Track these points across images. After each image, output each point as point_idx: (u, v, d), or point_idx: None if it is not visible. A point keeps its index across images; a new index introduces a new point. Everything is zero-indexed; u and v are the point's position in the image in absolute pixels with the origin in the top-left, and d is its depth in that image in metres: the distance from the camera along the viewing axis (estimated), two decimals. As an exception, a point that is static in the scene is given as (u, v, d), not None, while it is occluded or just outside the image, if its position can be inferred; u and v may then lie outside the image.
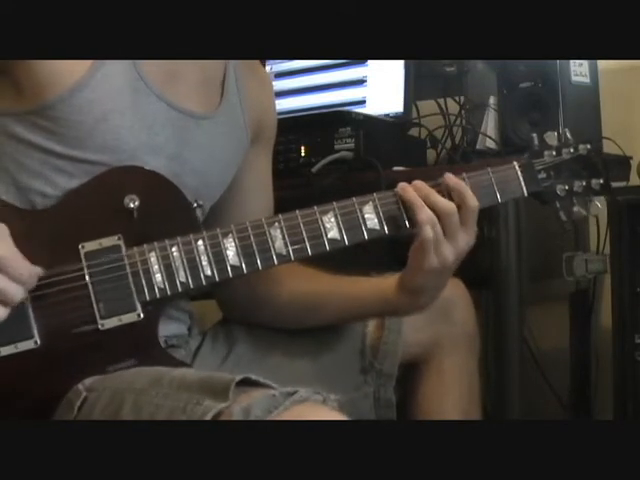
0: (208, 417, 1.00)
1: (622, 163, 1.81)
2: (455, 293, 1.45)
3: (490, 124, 1.95)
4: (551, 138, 1.35)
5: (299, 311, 1.43)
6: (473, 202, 1.26)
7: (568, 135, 1.36)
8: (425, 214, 1.24)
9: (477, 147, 1.95)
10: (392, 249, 1.30)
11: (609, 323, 1.80)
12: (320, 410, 1.00)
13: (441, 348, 1.47)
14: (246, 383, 1.03)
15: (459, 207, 1.25)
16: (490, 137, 1.93)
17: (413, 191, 1.26)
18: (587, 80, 1.89)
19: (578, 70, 1.86)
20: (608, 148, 1.92)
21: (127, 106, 1.23)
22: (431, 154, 2.03)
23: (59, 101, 1.19)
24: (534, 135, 1.36)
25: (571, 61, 1.84)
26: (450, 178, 1.27)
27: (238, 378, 1.03)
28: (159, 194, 1.24)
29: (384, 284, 1.36)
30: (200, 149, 1.32)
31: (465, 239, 1.26)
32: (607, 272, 1.87)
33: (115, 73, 1.22)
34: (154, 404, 1.06)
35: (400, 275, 1.33)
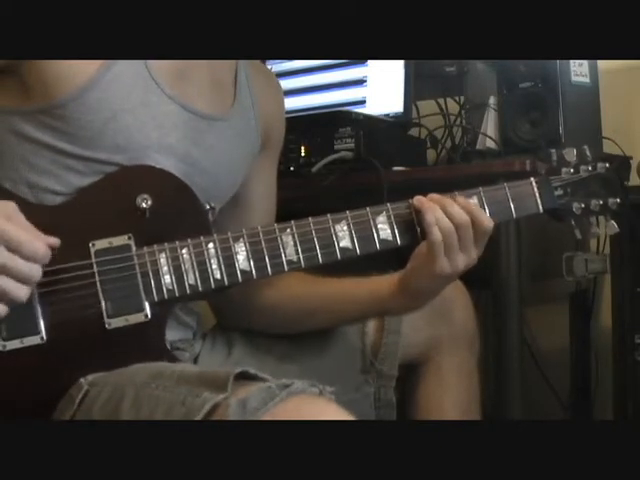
0: (206, 408, 1.00)
1: (622, 163, 1.81)
2: (454, 293, 1.45)
3: (490, 124, 1.95)
4: (569, 155, 1.34)
5: (295, 315, 1.43)
6: (488, 223, 1.26)
7: (587, 152, 1.35)
8: (433, 216, 1.24)
9: (477, 147, 1.95)
10: (392, 249, 1.29)
11: (609, 323, 1.81)
12: (316, 402, 1.00)
13: (441, 348, 1.47)
14: (244, 378, 1.04)
15: (472, 225, 1.25)
16: (490, 137, 1.93)
17: (426, 199, 1.27)
18: (587, 80, 1.89)
19: (578, 70, 1.86)
20: (608, 148, 1.92)
21: (138, 105, 1.23)
22: (431, 154, 2.03)
23: (69, 100, 1.19)
24: (553, 151, 1.35)
25: (571, 61, 1.84)
26: (460, 200, 1.27)
27: (236, 371, 1.03)
28: (172, 195, 1.24)
29: (379, 284, 1.36)
30: (211, 150, 1.32)
31: (476, 253, 1.27)
32: (607, 272, 1.87)
33: (126, 73, 1.22)
34: (154, 397, 1.07)
35: (400, 276, 1.33)
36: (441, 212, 1.25)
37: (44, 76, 1.19)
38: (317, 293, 1.42)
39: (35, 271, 1.10)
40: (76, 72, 1.19)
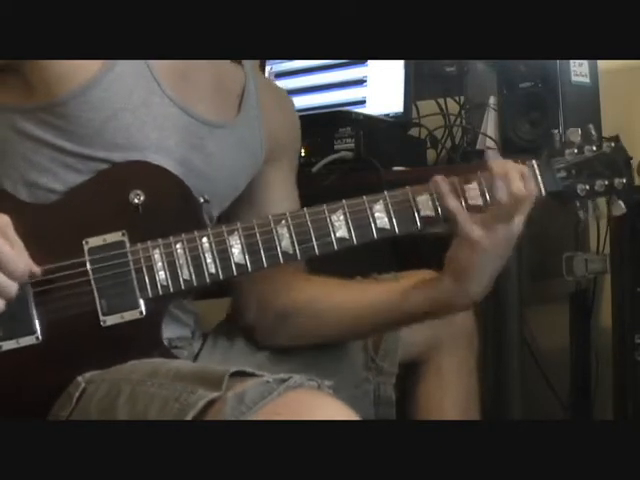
0: (201, 405, 1.00)
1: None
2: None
3: (490, 124, 1.95)
4: (574, 135, 1.31)
5: (339, 323, 1.38)
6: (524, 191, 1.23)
7: (592, 132, 1.31)
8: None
9: (477, 147, 1.95)
10: (392, 249, 1.29)
11: (609, 323, 1.80)
12: (315, 395, 1.00)
13: (440, 348, 1.47)
14: (241, 376, 1.03)
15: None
16: (490, 137, 1.93)
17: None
18: (587, 80, 1.89)
19: (578, 70, 1.86)
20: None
21: (139, 105, 1.23)
22: (431, 154, 2.03)
23: (71, 98, 1.19)
24: (555, 131, 1.33)
25: (571, 61, 1.84)
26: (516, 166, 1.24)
27: (232, 369, 1.03)
28: (165, 190, 1.24)
29: (424, 276, 1.32)
30: (210, 157, 1.31)
31: (518, 227, 1.23)
32: (607, 272, 1.87)
33: (128, 72, 1.23)
34: (149, 393, 1.07)
35: (448, 262, 1.27)
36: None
37: (46, 74, 1.19)
38: (359, 299, 1.37)
39: (11, 287, 1.10)
40: (78, 71, 1.20)
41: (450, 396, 1.47)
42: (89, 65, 1.20)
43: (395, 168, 1.80)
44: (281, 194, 1.45)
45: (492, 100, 1.95)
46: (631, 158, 1.84)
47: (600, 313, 2.12)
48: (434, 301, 1.30)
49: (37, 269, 1.13)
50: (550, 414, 2.11)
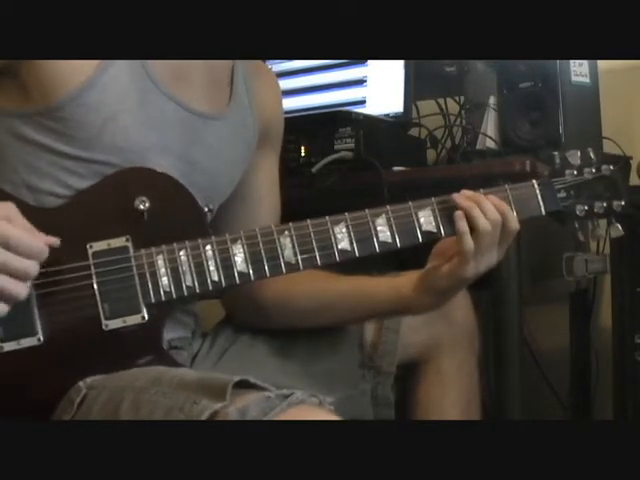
0: (204, 417, 1.00)
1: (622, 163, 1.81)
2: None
3: (490, 124, 1.95)
4: (573, 157, 1.34)
5: (308, 310, 1.42)
6: (516, 225, 1.27)
7: (591, 155, 1.35)
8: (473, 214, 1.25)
9: (477, 147, 1.95)
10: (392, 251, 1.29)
11: (609, 323, 1.81)
12: (316, 412, 1.00)
13: (441, 348, 1.47)
14: (244, 385, 1.04)
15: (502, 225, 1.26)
16: (490, 137, 1.93)
17: (465, 199, 1.27)
18: (587, 80, 1.89)
19: (578, 70, 1.86)
20: (608, 148, 1.92)
21: (136, 106, 1.23)
22: (431, 154, 2.03)
23: (67, 101, 1.19)
24: (556, 153, 1.35)
25: (571, 61, 1.84)
26: (493, 198, 1.27)
27: (236, 379, 1.03)
28: (170, 197, 1.24)
29: (400, 282, 1.36)
30: (209, 149, 1.32)
31: (497, 256, 1.28)
32: (607, 272, 1.87)
33: (123, 73, 1.22)
34: (152, 402, 1.07)
35: (422, 275, 1.33)
36: (479, 211, 1.25)
37: (42, 77, 1.19)
38: (332, 289, 1.41)
39: (31, 267, 1.09)
40: (74, 73, 1.19)
41: (450, 397, 1.47)
42: (84, 67, 1.20)
43: (395, 168, 1.80)
44: (267, 179, 1.47)
45: (492, 100, 1.95)
46: (631, 158, 1.84)
47: (600, 313, 2.12)
48: (398, 309, 1.37)
49: (54, 239, 1.12)
50: (550, 414, 2.11)
